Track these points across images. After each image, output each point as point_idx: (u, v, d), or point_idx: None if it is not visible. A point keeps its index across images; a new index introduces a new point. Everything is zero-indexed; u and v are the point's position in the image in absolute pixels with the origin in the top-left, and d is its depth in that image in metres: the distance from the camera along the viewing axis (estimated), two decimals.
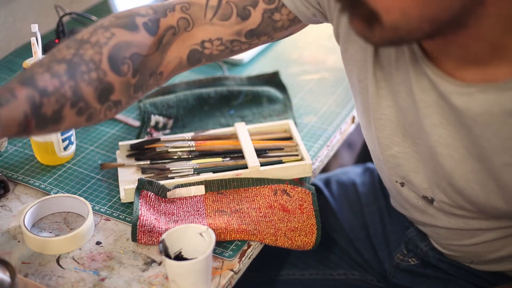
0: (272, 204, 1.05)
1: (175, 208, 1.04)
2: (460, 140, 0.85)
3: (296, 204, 1.06)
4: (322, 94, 1.35)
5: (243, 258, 0.98)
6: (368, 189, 1.25)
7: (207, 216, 1.02)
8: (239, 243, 0.99)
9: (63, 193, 1.08)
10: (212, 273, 0.94)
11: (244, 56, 1.45)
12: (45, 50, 1.30)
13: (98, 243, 1.00)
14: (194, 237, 0.93)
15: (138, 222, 1.00)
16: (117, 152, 1.16)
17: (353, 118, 1.30)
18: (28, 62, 1.08)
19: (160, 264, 0.96)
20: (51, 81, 0.82)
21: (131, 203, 1.06)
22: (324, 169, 1.31)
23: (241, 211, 1.04)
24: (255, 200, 1.06)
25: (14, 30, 1.49)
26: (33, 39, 1.07)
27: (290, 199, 1.06)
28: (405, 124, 0.91)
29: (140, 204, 1.03)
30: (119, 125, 1.26)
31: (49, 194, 1.08)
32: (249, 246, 1.00)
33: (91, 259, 0.97)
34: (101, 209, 1.06)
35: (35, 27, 1.07)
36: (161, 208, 1.04)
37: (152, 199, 1.04)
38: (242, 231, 1.00)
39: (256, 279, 1.21)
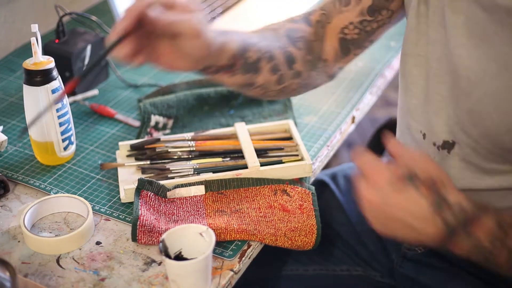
0: (272, 204, 1.05)
1: (175, 208, 1.04)
2: (480, 60, 0.87)
3: (296, 204, 1.06)
4: (322, 94, 1.35)
5: (243, 258, 0.98)
6: None
7: (207, 216, 1.03)
8: (239, 243, 0.99)
9: (63, 193, 1.08)
10: (212, 273, 0.94)
11: None
12: (45, 50, 1.30)
13: (98, 243, 1.00)
14: (194, 237, 0.93)
15: (138, 222, 1.00)
16: (117, 152, 1.16)
17: (353, 118, 1.30)
18: (28, 62, 1.08)
19: (160, 264, 0.96)
20: (253, 38, 0.98)
21: (131, 203, 1.06)
22: (324, 169, 1.31)
23: (241, 211, 1.04)
24: (255, 200, 1.06)
25: (14, 30, 1.49)
26: (33, 39, 1.07)
27: (290, 199, 1.06)
28: (432, 62, 0.94)
29: (140, 204, 1.03)
30: (119, 125, 1.26)
31: (49, 194, 1.08)
32: (249, 246, 1.00)
33: (91, 259, 0.97)
34: (101, 209, 1.06)
35: (35, 27, 1.07)
36: (161, 208, 1.04)
37: (152, 199, 1.04)
38: (242, 231, 1.00)
39: (259, 275, 1.22)
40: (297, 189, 1.08)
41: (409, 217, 0.81)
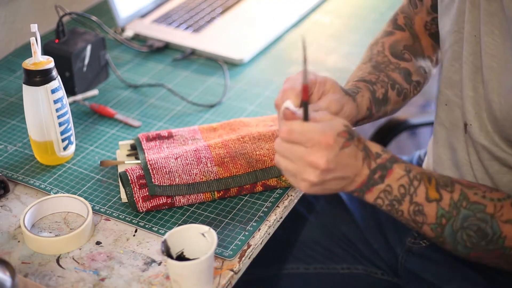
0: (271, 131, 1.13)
1: (176, 143, 1.13)
2: (506, 53, 0.89)
3: None
4: None
5: (243, 258, 0.98)
6: None
7: (205, 141, 1.12)
8: (239, 243, 0.99)
9: (63, 193, 1.08)
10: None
11: (244, 56, 1.45)
12: (45, 50, 1.30)
13: (98, 243, 1.00)
14: (196, 237, 0.93)
15: (149, 166, 1.05)
16: (117, 151, 1.16)
17: None
18: (27, 62, 1.08)
19: (160, 264, 0.96)
20: (371, 75, 1.09)
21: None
22: None
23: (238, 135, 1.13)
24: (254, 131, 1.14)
25: (14, 30, 1.49)
26: (32, 39, 1.07)
27: None
28: (465, 41, 0.98)
29: (144, 150, 1.10)
30: (119, 125, 1.26)
31: (49, 194, 1.08)
32: (249, 246, 0.99)
33: (91, 259, 0.97)
34: (101, 209, 1.06)
35: (34, 27, 1.07)
36: (164, 146, 1.11)
37: (152, 145, 1.12)
38: (239, 156, 1.07)
39: (260, 274, 1.22)
40: None
41: (348, 171, 0.86)
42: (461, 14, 0.99)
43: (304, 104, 0.86)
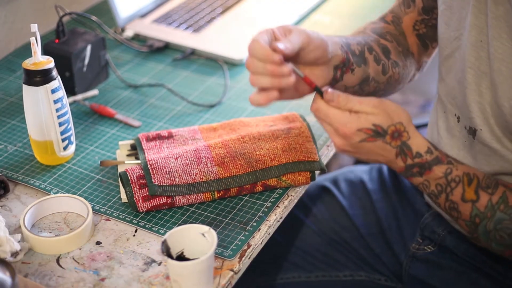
0: (270, 131, 1.13)
1: (176, 142, 1.13)
2: None
3: (293, 133, 1.13)
4: None
5: (243, 258, 0.98)
6: (378, 186, 1.26)
7: (205, 141, 1.12)
8: (239, 243, 0.99)
9: (63, 193, 1.08)
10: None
11: (244, 56, 1.45)
12: (45, 50, 1.30)
13: (98, 243, 1.00)
14: (196, 237, 0.93)
15: (149, 166, 1.05)
16: (117, 151, 1.16)
17: None
18: (27, 62, 1.08)
19: (160, 264, 0.96)
20: (347, 38, 1.09)
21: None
22: (324, 171, 1.31)
23: (238, 135, 1.13)
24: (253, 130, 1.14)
25: (14, 30, 1.49)
26: (32, 39, 1.07)
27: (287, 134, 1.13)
28: (467, 46, 0.98)
29: (144, 150, 1.10)
30: (119, 125, 1.26)
31: (49, 194, 1.08)
32: (249, 246, 0.99)
33: (91, 259, 0.97)
34: (101, 209, 1.06)
35: (34, 27, 1.07)
36: (164, 146, 1.11)
37: (152, 145, 1.12)
38: (240, 155, 1.07)
39: (262, 283, 1.21)
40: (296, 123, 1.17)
41: (377, 156, 0.93)
42: (462, 20, 0.99)
43: (316, 89, 0.95)
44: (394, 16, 1.20)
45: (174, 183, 1.04)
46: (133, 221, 1.03)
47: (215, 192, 1.05)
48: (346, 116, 0.91)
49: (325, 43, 0.98)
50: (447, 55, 1.05)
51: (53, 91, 1.08)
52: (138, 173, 1.05)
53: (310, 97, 1.34)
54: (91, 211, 1.01)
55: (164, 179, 1.04)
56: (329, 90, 0.93)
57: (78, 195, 1.06)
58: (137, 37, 1.54)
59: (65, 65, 1.30)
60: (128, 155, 1.15)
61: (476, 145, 1.01)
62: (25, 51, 1.48)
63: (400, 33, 1.18)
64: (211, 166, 1.06)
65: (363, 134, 0.91)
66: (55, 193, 1.08)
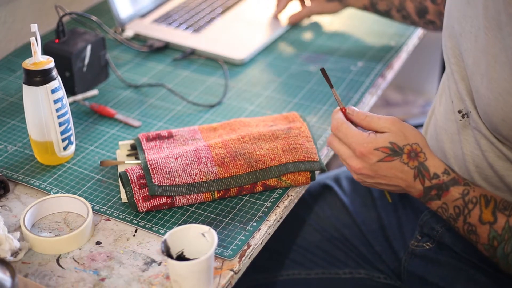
0: (271, 131, 1.13)
1: (176, 142, 1.13)
2: (494, 48, 0.92)
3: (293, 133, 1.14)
4: (322, 94, 1.35)
5: (243, 258, 0.98)
6: None
7: (205, 141, 1.12)
8: (239, 243, 0.99)
9: (63, 193, 1.08)
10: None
11: (244, 56, 1.45)
12: (45, 50, 1.30)
13: (98, 243, 1.00)
14: (196, 237, 0.93)
15: (149, 166, 1.06)
16: (117, 151, 1.16)
17: None
18: (27, 62, 1.08)
19: (160, 264, 0.96)
20: None
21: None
22: (324, 170, 1.31)
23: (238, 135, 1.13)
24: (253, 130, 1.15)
25: (14, 30, 1.49)
26: (32, 39, 1.07)
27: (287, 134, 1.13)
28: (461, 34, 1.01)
29: (144, 150, 1.11)
30: (119, 125, 1.26)
31: (49, 194, 1.08)
32: (249, 246, 0.99)
33: (91, 259, 0.97)
34: (101, 209, 1.06)
35: (34, 27, 1.07)
36: (164, 146, 1.12)
37: (152, 145, 1.12)
38: (239, 155, 1.07)
39: (261, 280, 1.21)
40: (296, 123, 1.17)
41: (395, 179, 0.93)
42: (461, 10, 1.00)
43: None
44: None
45: (174, 183, 1.04)
46: (133, 221, 1.03)
47: (215, 192, 1.05)
48: (364, 136, 0.93)
49: None
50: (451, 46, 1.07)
51: (53, 91, 1.08)
52: (138, 173, 1.05)
53: (310, 97, 1.34)
54: (91, 211, 1.01)
55: (164, 179, 1.04)
56: (350, 106, 0.97)
57: (78, 195, 1.06)
58: (137, 37, 1.54)
59: (65, 65, 1.30)
60: (128, 155, 1.15)
61: (467, 129, 1.02)
62: (25, 51, 1.48)
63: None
64: (211, 166, 1.06)
65: (380, 153, 0.92)
66: (55, 193, 1.08)
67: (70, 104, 1.29)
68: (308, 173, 1.08)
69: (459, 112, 1.03)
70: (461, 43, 0.99)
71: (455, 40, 1.02)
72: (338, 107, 1.00)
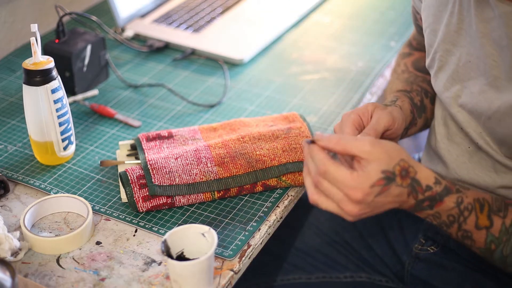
0: (270, 131, 1.13)
1: (176, 142, 1.13)
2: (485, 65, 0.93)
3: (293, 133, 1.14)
4: (322, 94, 1.35)
5: (243, 258, 0.98)
6: None
7: (205, 141, 1.13)
8: (239, 243, 0.99)
9: (63, 193, 1.08)
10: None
11: (244, 56, 1.45)
12: (45, 50, 1.30)
13: (98, 243, 1.00)
14: (196, 237, 0.93)
15: (149, 166, 1.05)
16: (117, 151, 1.16)
17: None
18: (27, 62, 1.08)
19: (160, 264, 0.96)
20: (405, 87, 1.16)
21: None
22: None
23: (236, 137, 1.13)
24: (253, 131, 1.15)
25: (14, 30, 1.49)
26: (32, 39, 1.07)
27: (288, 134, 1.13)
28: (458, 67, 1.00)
29: (144, 150, 1.10)
30: (119, 125, 1.26)
31: (49, 194, 1.08)
32: (249, 246, 0.99)
33: (91, 259, 0.97)
34: (101, 209, 1.06)
35: (34, 27, 1.07)
36: (164, 146, 1.12)
37: (152, 145, 1.12)
38: (239, 155, 1.07)
39: (262, 284, 1.21)
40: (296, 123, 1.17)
41: (391, 205, 0.88)
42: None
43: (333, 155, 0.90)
44: (418, 43, 1.23)
45: (174, 183, 1.04)
46: (133, 221, 1.03)
47: (215, 192, 1.05)
48: (354, 177, 0.84)
49: (403, 118, 1.04)
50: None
51: (53, 91, 1.08)
52: (138, 173, 1.05)
53: (310, 97, 1.34)
54: (91, 211, 1.01)
55: (164, 179, 1.04)
56: (317, 132, 0.89)
57: (78, 195, 1.06)
58: (137, 37, 1.54)
59: (65, 65, 1.30)
60: (128, 155, 1.15)
61: (477, 153, 1.01)
62: (25, 51, 1.48)
63: None
64: (211, 166, 1.06)
65: (376, 188, 0.84)
66: (55, 193, 1.08)
67: (70, 104, 1.29)
68: None
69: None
70: None
71: None
72: (306, 141, 0.89)
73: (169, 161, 1.07)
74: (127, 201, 1.05)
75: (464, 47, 0.97)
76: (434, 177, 0.89)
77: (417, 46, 1.25)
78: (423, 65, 1.19)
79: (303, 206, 1.27)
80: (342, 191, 0.84)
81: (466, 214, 0.90)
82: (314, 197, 0.87)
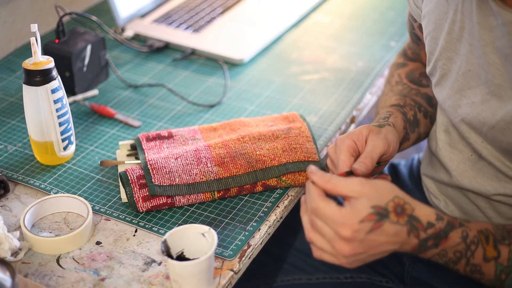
0: (271, 131, 1.13)
1: (176, 142, 1.13)
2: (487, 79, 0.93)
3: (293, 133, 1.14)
4: (322, 94, 1.35)
5: (243, 258, 0.98)
6: None
7: (205, 141, 1.13)
8: (239, 243, 0.99)
9: (63, 193, 1.08)
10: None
11: (245, 56, 1.45)
12: (45, 50, 1.30)
13: (98, 243, 1.00)
14: (196, 237, 0.93)
15: (149, 166, 1.06)
16: (117, 151, 1.16)
17: (353, 118, 1.30)
18: (27, 62, 1.08)
19: (160, 264, 0.96)
20: (398, 101, 1.14)
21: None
22: (324, 170, 1.31)
23: (236, 137, 1.13)
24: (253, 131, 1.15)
25: (14, 30, 1.49)
26: (32, 39, 1.07)
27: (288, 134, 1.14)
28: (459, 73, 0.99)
29: (144, 150, 1.11)
30: (119, 125, 1.26)
31: (49, 194, 1.08)
32: (249, 246, 0.99)
33: (91, 259, 0.97)
34: (101, 209, 1.06)
35: (34, 27, 1.07)
36: (164, 146, 1.12)
37: (152, 145, 1.12)
38: (239, 155, 1.07)
39: (263, 286, 1.21)
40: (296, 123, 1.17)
41: (389, 246, 0.83)
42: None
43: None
44: (413, 52, 1.23)
45: (174, 183, 1.04)
46: (133, 221, 1.03)
47: (215, 192, 1.05)
48: (342, 213, 0.80)
49: (398, 139, 1.02)
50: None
51: (53, 91, 1.08)
52: (138, 173, 1.05)
53: (310, 97, 1.34)
54: (91, 211, 1.01)
55: (164, 179, 1.04)
56: (311, 166, 0.86)
57: (78, 195, 1.06)
58: (137, 37, 1.54)
59: (65, 65, 1.30)
60: (128, 155, 1.15)
61: (480, 162, 1.01)
62: (25, 51, 1.48)
63: (425, 68, 1.19)
64: (211, 166, 1.06)
65: (367, 223, 0.80)
66: (55, 193, 1.08)
67: (70, 104, 1.29)
68: None
69: None
70: None
71: None
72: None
73: (169, 161, 1.07)
74: (127, 201, 1.05)
75: (464, 55, 0.97)
76: (435, 213, 0.85)
77: (412, 56, 1.24)
78: (417, 77, 1.18)
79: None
80: (332, 228, 0.81)
81: (473, 248, 0.87)
82: (310, 235, 0.84)
